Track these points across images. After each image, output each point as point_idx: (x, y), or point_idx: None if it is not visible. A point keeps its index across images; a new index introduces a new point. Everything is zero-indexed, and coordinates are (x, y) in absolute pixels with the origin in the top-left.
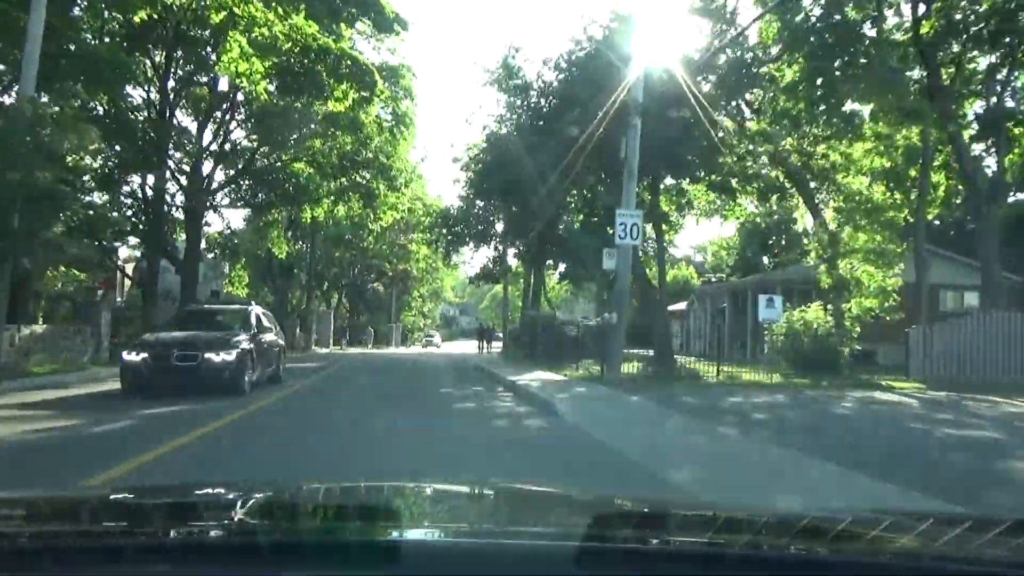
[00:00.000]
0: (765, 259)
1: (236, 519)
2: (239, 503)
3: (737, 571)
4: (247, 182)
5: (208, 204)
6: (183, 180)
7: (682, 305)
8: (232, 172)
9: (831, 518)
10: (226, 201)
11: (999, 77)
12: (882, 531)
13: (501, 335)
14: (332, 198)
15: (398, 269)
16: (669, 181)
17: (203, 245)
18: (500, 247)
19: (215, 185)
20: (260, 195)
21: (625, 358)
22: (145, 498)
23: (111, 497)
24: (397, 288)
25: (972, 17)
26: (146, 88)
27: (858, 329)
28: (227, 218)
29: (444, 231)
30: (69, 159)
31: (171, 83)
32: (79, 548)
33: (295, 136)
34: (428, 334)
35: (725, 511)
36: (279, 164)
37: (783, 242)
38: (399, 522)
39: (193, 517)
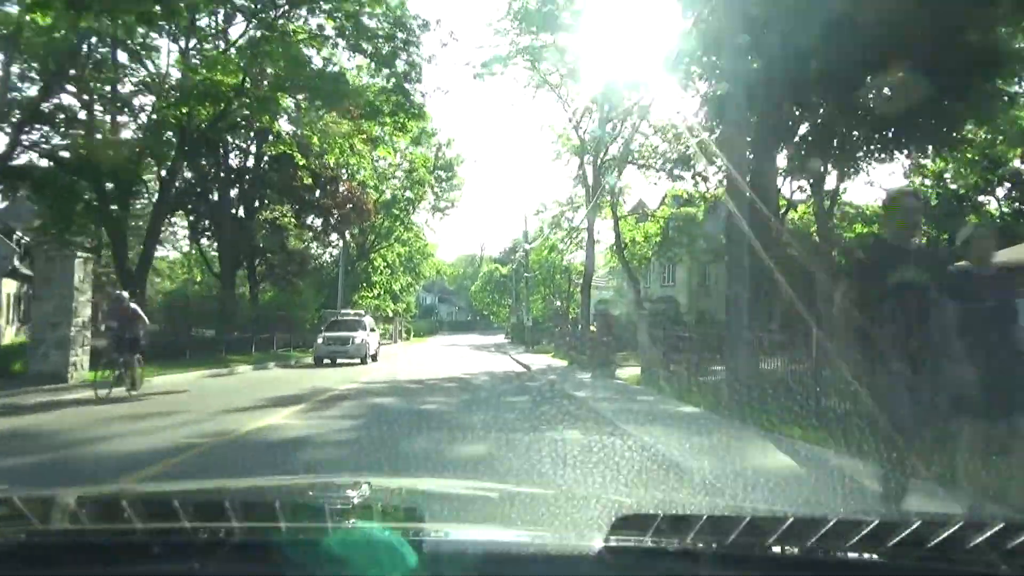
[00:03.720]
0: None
1: (241, 518)
2: (245, 503)
3: (759, 572)
4: None
5: None
6: None
7: None
8: None
9: (855, 520)
10: None
11: None
12: (909, 534)
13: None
14: None
15: (345, 186)
16: None
17: None
18: None
19: None
20: None
21: None
22: (159, 496)
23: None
24: (344, 237)
25: None
26: None
27: None
28: None
29: None
30: None
31: None
32: (86, 545)
33: None
34: (333, 321)
35: (749, 513)
36: None
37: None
38: (414, 521)
39: (201, 516)
